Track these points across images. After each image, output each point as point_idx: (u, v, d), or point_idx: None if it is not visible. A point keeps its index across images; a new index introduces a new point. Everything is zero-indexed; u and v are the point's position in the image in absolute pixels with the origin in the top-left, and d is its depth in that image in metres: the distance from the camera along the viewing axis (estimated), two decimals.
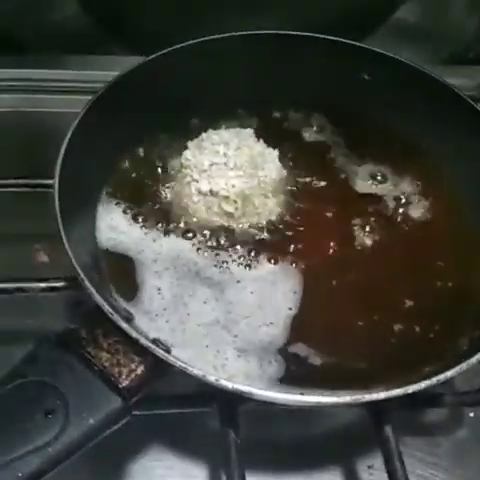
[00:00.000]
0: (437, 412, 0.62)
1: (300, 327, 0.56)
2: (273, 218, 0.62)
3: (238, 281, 0.58)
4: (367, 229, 0.63)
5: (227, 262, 0.59)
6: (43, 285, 0.58)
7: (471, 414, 0.62)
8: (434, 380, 0.47)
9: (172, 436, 0.58)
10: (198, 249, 0.60)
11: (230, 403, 0.53)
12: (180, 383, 0.53)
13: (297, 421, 0.59)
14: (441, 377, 0.47)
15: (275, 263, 0.59)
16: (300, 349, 0.54)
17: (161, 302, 0.56)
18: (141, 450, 0.58)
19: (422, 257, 0.62)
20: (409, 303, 0.58)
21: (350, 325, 0.56)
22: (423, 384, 0.47)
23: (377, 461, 0.55)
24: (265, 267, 0.59)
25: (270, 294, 0.57)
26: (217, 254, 0.60)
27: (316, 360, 0.54)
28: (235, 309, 0.56)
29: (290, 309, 0.57)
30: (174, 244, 0.60)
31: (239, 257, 0.60)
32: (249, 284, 0.58)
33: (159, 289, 0.57)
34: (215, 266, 0.59)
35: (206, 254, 0.59)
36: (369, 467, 0.58)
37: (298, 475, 0.57)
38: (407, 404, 0.55)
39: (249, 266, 0.59)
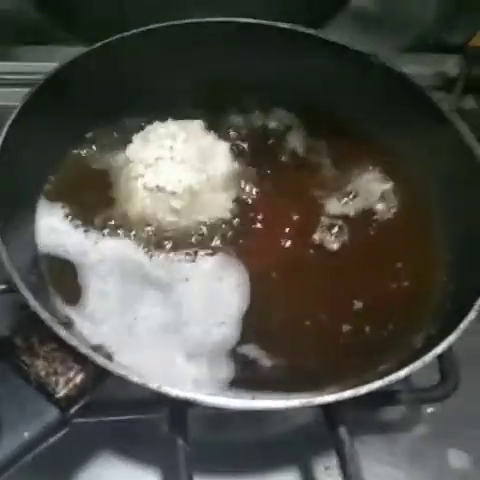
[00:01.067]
0: (395, 409, 0.61)
1: (250, 326, 0.54)
2: (223, 214, 0.60)
3: (186, 279, 0.56)
4: (324, 227, 0.61)
5: (175, 261, 0.57)
6: None
7: (429, 410, 0.61)
8: (386, 380, 0.45)
9: (122, 442, 0.56)
10: (144, 249, 0.57)
11: (179, 408, 0.51)
12: (129, 388, 0.50)
13: (251, 423, 0.58)
14: (393, 377, 0.46)
15: (224, 260, 0.57)
16: (250, 350, 0.53)
17: (106, 306, 0.53)
18: (90, 457, 0.56)
19: (381, 258, 0.60)
20: (358, 304, 0.56)
21: (299, 325, 0.55)
22: (375, 385, 0.45)
23: (334, 462, 0.54)
24: (214, 264, 0.57)
25: (220, 292, 0.56)
26: (165, 253, 0.57)
27: (267, 362, 0.52)
28: (185, 311, 0.54)
29: (240, 307, 0.55)
30: (119, 245, 0.57)
31: (187, 255, 0.57)
32: (198, 283, 0.56)
33: (104, 293, 0.54)
34: (163, 266, 0.56)
35: (153, 254, 0.57)
36: (326, 468, 0.57)
37: (252, 479, 0.56)
38: (362, 403, 0.54)
39: (198, 264, 0.57)
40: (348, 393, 0.45)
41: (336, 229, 0.60)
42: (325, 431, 0.52)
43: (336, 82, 0.67)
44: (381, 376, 0.46)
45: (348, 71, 0.66)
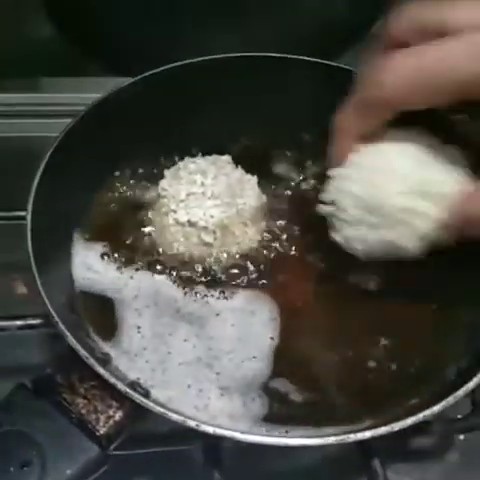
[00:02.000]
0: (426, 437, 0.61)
1: (281, 360, 0.54)
2: (253, 246, 0.61)
3: (217, 314, 0.56)
4: (358, 266, 0.58)
5: (207, 295, 0.58)
6: (20, 323, 0.57)
7: (461, 437, 0.61)
8: (420, 416, 0.46)
9: (155, 474, 0.57)
10: (177, 283, 0.58)
11: (214, 441, 0.52)
12: (162, 420, 0.51)
13: (283, 453, 0.58)
14: (427, 413, 0.46)
15: (256, 294, 0.58)
16: (282, 384, 0.53)
17: (141, 341, 0.54)
18: None
19: (415, 298, 0.58)
20: (384, 341, 0.56)
21: (328, 360, 0.55)
22: (409, 421, 0.46)
23: None
24: (246, 298, 0.58)
25: (251, 326, 0.56)
26: (196, 287, 0.58)
27: (297, 396, 0.52)
28: (216, 345, 0.55)
29: (272, 339, 0.56)
30: (152, 280, 0.58)
31: (218, 288, 0.58)
32: (229, 316, 0.56)
33: (139, 327, 0.55)
34: (195, 300, 0.57)
35: (185, 288, 0.58)
36: None
37: None
38: (395, 434, 0.54)
39: (229, 297, 0.58)
40: (382, 430, 0.45)
41: (369, 269, 0.59)
42: (358, 460, 0.53)
43: None
44: (413, 410, 0.47)
45: None
